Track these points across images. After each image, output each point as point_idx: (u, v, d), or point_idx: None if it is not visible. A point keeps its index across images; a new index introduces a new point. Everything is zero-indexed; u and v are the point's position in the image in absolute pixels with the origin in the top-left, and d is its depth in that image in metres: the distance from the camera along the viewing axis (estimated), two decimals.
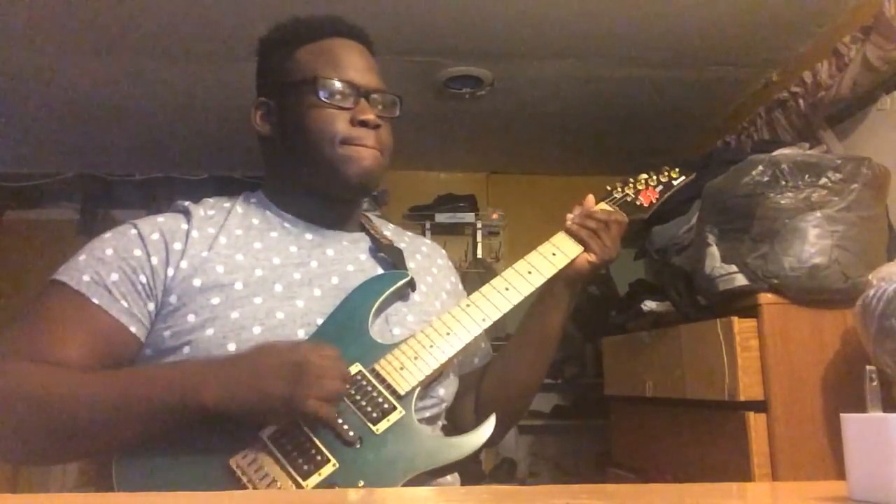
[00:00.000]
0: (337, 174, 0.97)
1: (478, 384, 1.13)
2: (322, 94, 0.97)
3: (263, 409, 0.79)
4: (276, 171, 1.05)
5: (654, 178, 1.22)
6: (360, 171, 0.98)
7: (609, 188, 1.19)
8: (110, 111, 2.79)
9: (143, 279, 0.90)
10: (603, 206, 1.14)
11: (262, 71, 1.06)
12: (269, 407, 0.79)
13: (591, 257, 1.07)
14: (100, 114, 2.81)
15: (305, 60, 1.00)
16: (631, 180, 1.20)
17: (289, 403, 0.78)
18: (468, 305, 0.98)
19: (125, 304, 0.89)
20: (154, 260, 0.91)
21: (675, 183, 1.23)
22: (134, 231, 0.94)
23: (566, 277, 1.08)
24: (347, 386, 0.84)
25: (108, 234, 0.95)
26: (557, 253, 1.06)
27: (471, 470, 2.86)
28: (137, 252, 0.92)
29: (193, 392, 0.79)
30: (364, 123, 0.97)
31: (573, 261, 1.07)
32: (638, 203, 1.17)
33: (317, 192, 1.01)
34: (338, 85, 0.97)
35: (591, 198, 1.14)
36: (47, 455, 0.88)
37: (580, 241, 1.07)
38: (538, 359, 1.11)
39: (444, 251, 1.21)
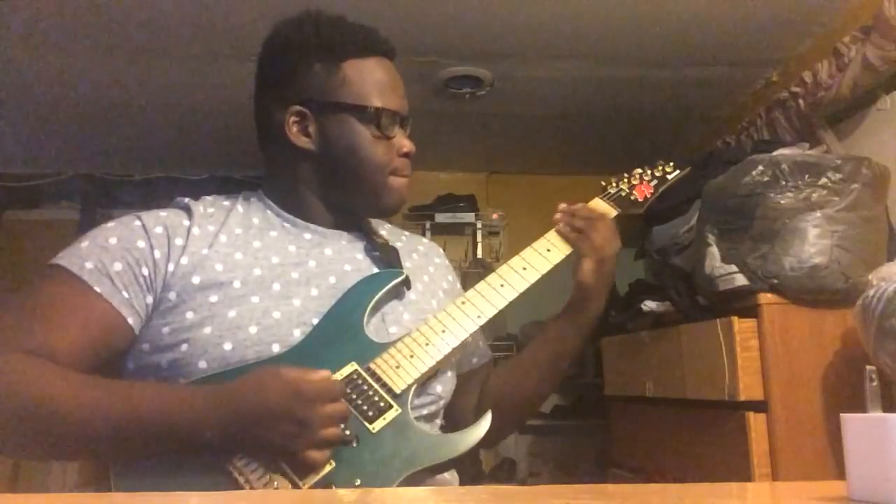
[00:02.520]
0: (380, 202, 1.02)
1: (482, 387, 1.12)
2: (379, 126, 0.99)
3: (261, 451, 0.80)
4: (298, 179, 1.02)
5: (649, 172, 1.21)
6: (401, 200, 1.03)
7: (603, 184, 1.18)
8: (110, 111, 2.78)
9: (145, 271, 0.90)
10: (597, 201, 1.14)
11: (297, 76, 1.00)
12: (267, 451, 0.80)
13: (589, 259, 1.05)
14: (100, 114, 2.81)
15: (355, 81, 0.99)
16: (625, 175, 1.20)
17: (285, 452, 0.79)
18: (464, 303, 0.98)
19: (126, 295, 0.88)
20: (157, 254, 0.91)
21: (669, 177, 1.23)
22: (138, 223, 0.94)
23: (582, 296, 1.06)
24: (346, 431, 0.83)
25: (111, 224, 0.95)
26: (552, 249, 1.06)
27: (470, 470, 2.85)
28: (141, 244, 0.91)
29: (193, 429, 0.78)
30: (407, 155, 1.03)
31: (578, 272, 1.05)
32: (632, 198, 1.17)
33: (342, 207, 1.03)
34: (391, 117, 1.00)
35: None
36: (36, 455, 0.88)
37: (571, 242, 1.06)
38: (550, 376, 1.10)
39: (441, 251, 1.21)
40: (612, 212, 1.12)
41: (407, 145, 1.03)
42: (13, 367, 0.80)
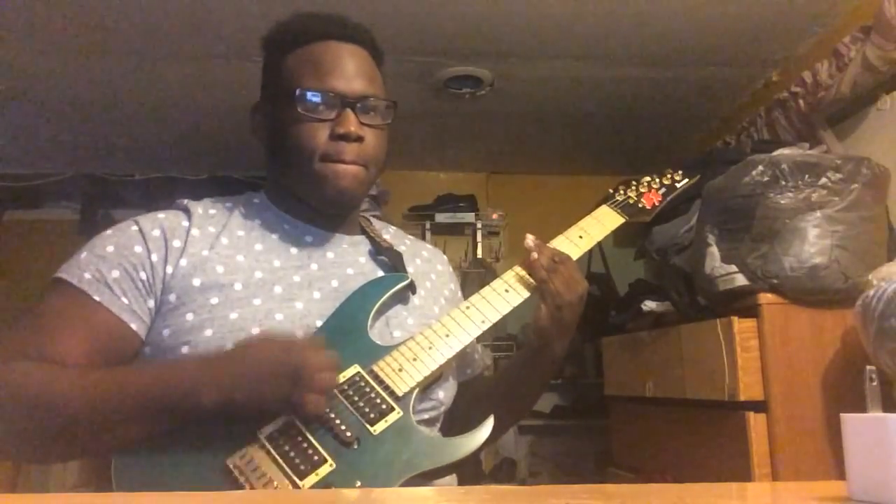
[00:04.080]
0: (315, 190, 0.97)
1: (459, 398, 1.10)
2: (301, 107, 0.93)
3: (259, 408, 0.80)
4: (271, 175, 1.05)
5: (658, 180, 1.19)
6: (337, 190, 0.95)
7: (611, 191, 1.16)
8: (110, 111, 2.78)
9: (143, 276, 0.90)
10: (604, 208, 1.13)
11: (263, 73, 1.03)
12: (265, 405, 0.80)
13: (546, 304, 0.98)
14: (100, 114, 2.81)
15: (292, 68, 0.97)
16: (633, 183, 1.18)
17: (284, 401, 0.79)
18: (468, 308, 0.97)
19: (126, 301, 0.89)
20: (154, 257, 0.91)
21: (678, 186, 1.21)
22: (135, 228, 0.94)
23: (538, 341, 1.02)
24: (340, 381, 0.85)
25: (109, 231, 0.95)
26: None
27: (471, 470, 2.85)
28: (138, 249, 0.92)
29: (191, 394, 0.79)
30: (343, 137, 0.94)
31: (536, 316, 1.00)
32: (640, 206, 1.15)
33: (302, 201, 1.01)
34: (317, 96, 0.94)
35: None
36: (45, 454, 0.87)
37: (535, 281, 0.99)
38: (505, 414, 1.03)
39: (444, 257, 1.20)
40: (613, 225, 1.09)
41: (345, 125, 0.93)
42: (18, 370, 0.82)
